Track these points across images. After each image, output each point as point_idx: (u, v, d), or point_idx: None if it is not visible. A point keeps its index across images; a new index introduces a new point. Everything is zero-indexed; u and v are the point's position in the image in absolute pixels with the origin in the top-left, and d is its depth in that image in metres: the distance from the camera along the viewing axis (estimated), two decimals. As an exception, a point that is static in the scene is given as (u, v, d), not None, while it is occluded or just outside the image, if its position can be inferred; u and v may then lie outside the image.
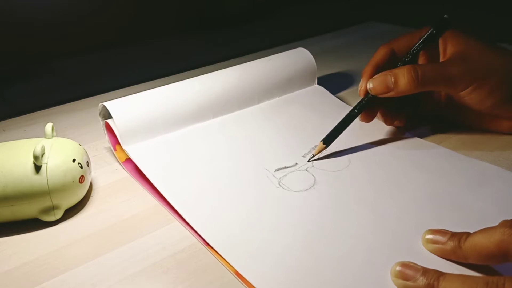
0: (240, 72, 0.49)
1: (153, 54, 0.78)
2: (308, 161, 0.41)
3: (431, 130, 0.46)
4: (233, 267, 0.30)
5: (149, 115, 0.42)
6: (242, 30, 0.86)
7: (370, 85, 0.42)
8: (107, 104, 0.42)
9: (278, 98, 0.50)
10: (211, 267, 0.31)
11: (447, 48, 0.43)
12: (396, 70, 0.41)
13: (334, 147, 0.42)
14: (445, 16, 0.44)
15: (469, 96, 0.41)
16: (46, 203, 0.34)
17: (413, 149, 0.42)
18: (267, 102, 0.49)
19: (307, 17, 0.94)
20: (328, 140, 0.42)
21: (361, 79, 0.44)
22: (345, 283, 0.29)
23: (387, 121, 0.45)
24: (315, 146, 0.43)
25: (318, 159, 0.41)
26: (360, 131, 0.45)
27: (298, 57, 0.52)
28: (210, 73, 0.48)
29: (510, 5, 0.76)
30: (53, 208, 0.35)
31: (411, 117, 0.46)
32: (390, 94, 0.41)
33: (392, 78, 0.40)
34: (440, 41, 0.43)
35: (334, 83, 0.57)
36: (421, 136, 0.45)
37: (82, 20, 0.73)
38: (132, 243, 0.33)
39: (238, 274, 0.30)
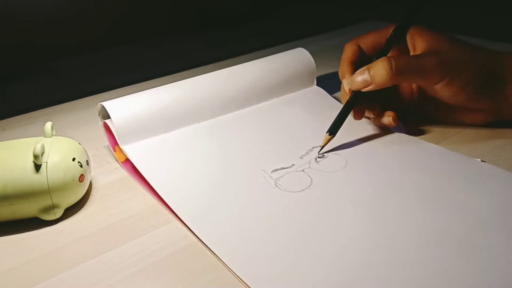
0: (239, 72, 0.49)
1: (153, 53, 0.78)
2: (318, 153, 0.42)
3: (430, 130, 0.46)
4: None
5: (148, 115, 0.42)
6: (242, 30, 0.86)
7: (351, 82, 0.43)
8: (105, 104, 0.42)
9: (276, 99, 0.50)
10: (210, 266, 0.31)
11: (416, 44, 0.43)
12: (372, 64, 0.42)
13: (331, 148, 0.42)
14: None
15: (442, 91, 0.42)
16: (46, 202, 0.34)
17: (411, 149, 0.42)
18: (265, 102, 0.49)
19: (307, 16, 0.94)
20: (333, 130, 0.42)
21: (343, 80, 0.45)
22: (341, 283, 0.29)
23: (374, 115, 0.45)
24: (312, 147, 0.43)
25: (327, 151, 0.42)
26: (358, 132, 0.45)
27: (298, 58, 0.52)
28: (209, 73, 0.48)
29: (510, 5, 0.76)
30: (53, 207, 0.35)
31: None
32: (370, 88, 0.42)
33: (369, 72, 0.41)
34: (408, 38, 0.44)
35: (333, 83, 0.57)
36: (420, 135, 0.45)
37: (82, 19, 0.73)
38: (132, 242, 0.33)
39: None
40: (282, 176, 0.39)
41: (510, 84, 0.42)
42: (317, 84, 0.53)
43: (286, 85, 0.50)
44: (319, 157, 0.42)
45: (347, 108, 0.43)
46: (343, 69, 0.45)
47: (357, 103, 0.44)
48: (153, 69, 0.67)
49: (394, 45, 0.45)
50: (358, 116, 0.44)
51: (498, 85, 0.42)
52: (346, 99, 0.44)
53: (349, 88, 0.44)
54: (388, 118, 0.44)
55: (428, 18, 0.50)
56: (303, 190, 0.37)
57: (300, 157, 0.42)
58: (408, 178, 0.38)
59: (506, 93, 0.42)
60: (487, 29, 0.72)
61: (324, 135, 0.42)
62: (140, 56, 0.76)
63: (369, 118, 0.46)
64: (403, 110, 0.47)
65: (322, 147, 0.42)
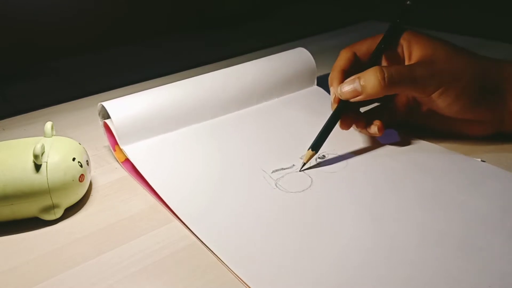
0: (239, 72, 0.48)
1: (153, 53, 0.78)
2: (299, 171, 0.40)
3: (430, 130, 0.45)
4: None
5: (148, 115, 0.42)
6: (242, 30, 0.86)
7: (339, 91, 0.41)
8: (105, 104, 0.42)
9: (276, 99, 0.50)
10: (210, 266, 0.31)
11: (413, 51, 0.42)
12: (363, 73, 0.40)
13: (332, 149, 0.42)
14: (408, 2, 0.43)
15: (437, 101, 0.40)
16: (46, 202, 0.34)
17: (411, 149, 0.42)
18: (265, 103, 0.49)
19: (307, 16, 0.95)
20: (316, 146, 0.41)
21: (331, 87, 0.43)
22: (341, 283, 0.29)
23: (359, 126, 0.43)
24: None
25: (311, 167, 0.40)
26: (358, 133, 0.45)
27: (298, 58, 0.52)
28: (209, 73, 0.48)
29: (510, 5, 0.76)
30: (53, 207, 0.35)
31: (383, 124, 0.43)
32: (359, 98, 0.40)
33: (360, 81, 0.40)
34: (404, 45, 0.42)
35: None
36: (420, 136, 0.45)
37: (82, 19, 0.73)
38: (131, 242, 0.33)
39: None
40: (282, 177, 0.39)
41: (510, 94, 0.40)
42: (317, 85, 0.53)
43: (286, 85, 0.50)
44: (319, 157, 0.41)
45: (332, 120, 0.41)
46: (333, 76, 0.43)
47: (345, 113, 0.42)
48: (153, 69, 0.67)
49: (386, 52, 0.43)
50: (346, 126, 0.43)
51: (497, 94, 0.40)
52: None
53: (336, 99, 0.42)
54: (374, 128, 0.42)
55: (428, 18, 0.50)
56: (303, 190, 0.37)
57: (300, 158, 0.42)
58: (408, 178, 0.38)
59: (507, 103, 0.40)
60: (487, 29, 0.72)
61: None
62: (140, 56, 0.77)
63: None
64: (399, 120, 0.45)
65: (304, 163, 0.40)
